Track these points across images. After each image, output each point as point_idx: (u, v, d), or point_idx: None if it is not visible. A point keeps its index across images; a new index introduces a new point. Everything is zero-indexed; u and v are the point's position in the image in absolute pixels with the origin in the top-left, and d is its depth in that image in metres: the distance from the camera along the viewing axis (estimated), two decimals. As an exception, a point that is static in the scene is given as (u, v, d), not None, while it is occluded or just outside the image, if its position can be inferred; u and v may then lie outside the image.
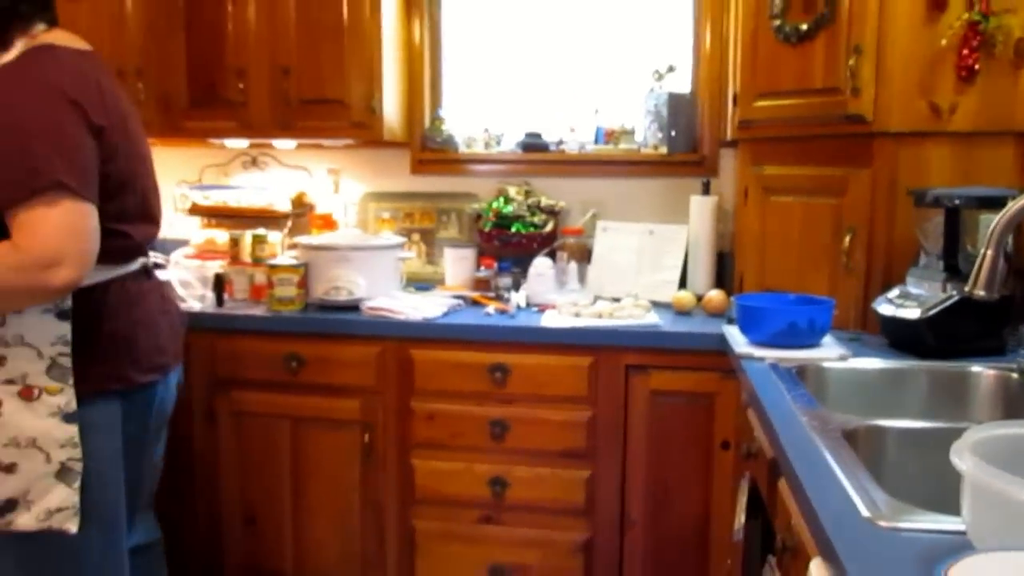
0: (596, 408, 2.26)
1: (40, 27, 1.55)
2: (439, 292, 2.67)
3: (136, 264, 1.66)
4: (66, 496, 1.50)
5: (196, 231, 2.92)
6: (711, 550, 2.24)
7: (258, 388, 2.43)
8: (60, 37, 1.55)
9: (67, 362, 1.49)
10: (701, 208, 2.62)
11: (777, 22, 2.18)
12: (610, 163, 2.80)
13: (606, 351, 2.24)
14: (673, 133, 2.68)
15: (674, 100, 2.67)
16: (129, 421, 1.62)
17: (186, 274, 2.56)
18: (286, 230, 2.83)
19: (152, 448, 1.77)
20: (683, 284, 2.61)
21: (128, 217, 1.58)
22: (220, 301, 2.50)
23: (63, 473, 1.49)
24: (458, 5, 2.93)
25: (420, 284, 2.79)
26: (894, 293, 1.92)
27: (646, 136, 2.76)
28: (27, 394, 1.47)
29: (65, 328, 1.49)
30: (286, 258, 2.54)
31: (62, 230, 1.40)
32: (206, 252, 2.77)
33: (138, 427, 1.66)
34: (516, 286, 2.62)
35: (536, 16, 2.91)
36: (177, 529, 2.46)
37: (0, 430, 1.46)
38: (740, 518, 1.60)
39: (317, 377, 2.38)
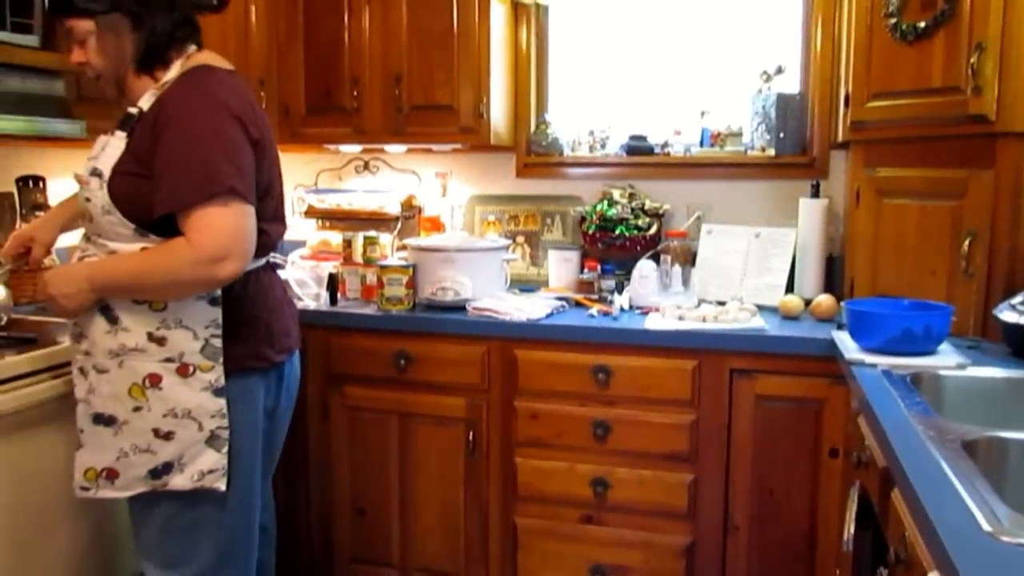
0: (699, 412, 2.25)
1: (192, 48, 1.74)
2: (543, 294, 2.70)
3: (267, 259, 1.85)
4: (216, 459, 1.69)
5: (312, 233, 3.06)
6: (818, 559, 2.19)
7: (368, 384, 2.52)
8: (211, 58, 1.74)
9: (218, 343, 1.67)
10: (810, 211, 2.57)
11: (893, 20, 2.12)
12: (716, 166, 2.78)
13: (710, 355, 2.22)
14: (781, 135, 2.64)
15: (783, 101, 2.63)
16: (267, 395, 1.82)
17: (302, 274, 2.68)
18: (396, 232, 2.92)
19: (284, 421, 1.96)
20: (790, 288, 2.56)
21: (267, 218, 1.75)
22: (334, 300, 2.60)
23: (212, 440, 1.69)
24: (565, 8, 2.97)
25: (524, 286, 2.84)
26: (1018, 299, 1.84)
27: (753, 138, 2.73)
28: (184, 371, 1.66)
29: (217, 313, 1.67)
30: (396, 259, 2.63)
31: (232, 229, 1.59)
32: (321, 253, 2.90)
33: (273, 400, 1.86)
34: (619, 288, 2.63)
35: (643, 18, 2.91)
36: (293, 517, 2.60)
37: (160, 402, 1.65)
38: (849, 528, 1.57)
39: (424, 375, 2.46)
